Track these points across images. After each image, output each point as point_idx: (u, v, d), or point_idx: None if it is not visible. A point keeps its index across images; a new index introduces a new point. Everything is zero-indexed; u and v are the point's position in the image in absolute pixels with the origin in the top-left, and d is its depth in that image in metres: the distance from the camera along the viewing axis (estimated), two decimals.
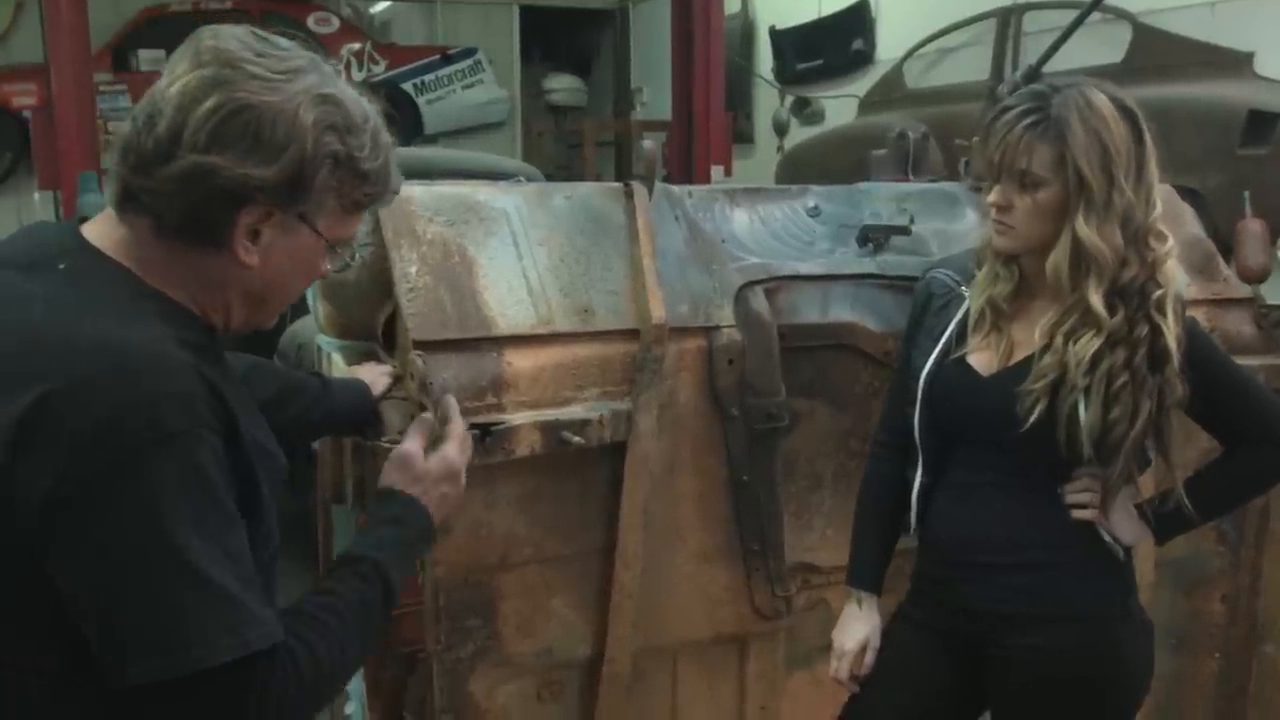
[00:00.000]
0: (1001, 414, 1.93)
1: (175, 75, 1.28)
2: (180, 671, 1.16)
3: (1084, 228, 1.85)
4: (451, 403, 1.83)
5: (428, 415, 1.81)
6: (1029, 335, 1.97)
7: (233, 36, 1.31)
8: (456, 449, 1.71)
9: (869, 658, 2.14)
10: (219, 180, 1.26)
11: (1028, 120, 1.87)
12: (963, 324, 2.04)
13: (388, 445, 2.07)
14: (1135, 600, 2.05)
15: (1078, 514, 1.97)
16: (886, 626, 2.17)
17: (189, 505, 1.18)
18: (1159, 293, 1.88)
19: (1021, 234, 1.93)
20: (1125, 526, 2.00)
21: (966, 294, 2.06)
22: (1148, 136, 1.90)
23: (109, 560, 1.17)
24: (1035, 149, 1.87)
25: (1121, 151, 1.86)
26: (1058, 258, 1.88)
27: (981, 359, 2.00)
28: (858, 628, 2.16)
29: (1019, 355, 1.97)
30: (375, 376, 2.17)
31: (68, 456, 1.15)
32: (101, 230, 1.33)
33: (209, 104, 1.25)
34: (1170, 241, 1.93)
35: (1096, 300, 1.86)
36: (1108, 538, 1.99)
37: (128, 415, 1.17)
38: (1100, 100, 1.88)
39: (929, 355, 2.05)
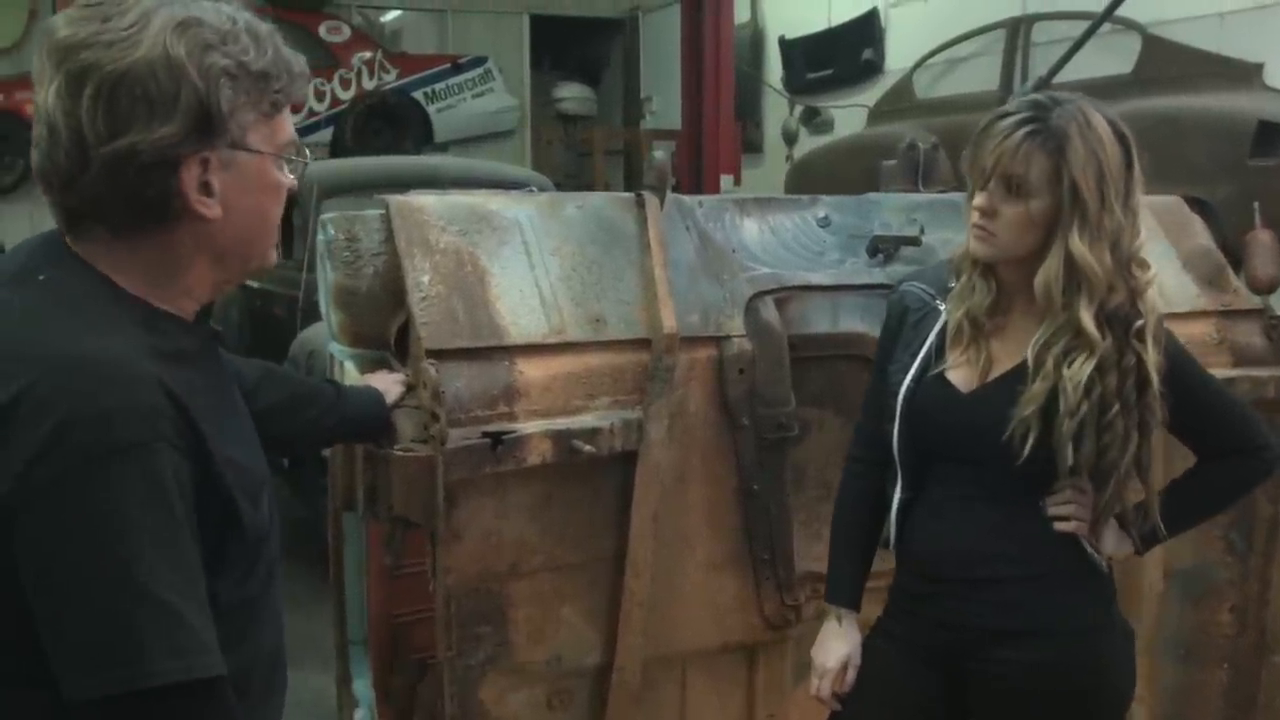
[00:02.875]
0: (981, 431, 1.93)
1: (44, 84, 1.26)
2: (115, 689, 1.14)
3: (1078, 244, 1.84)
4: None
5: None
6: (1008, 349, 1.96)
7: (68, 21, 1.27)
8: None
9: (850, 675, 2.13)
10: (139, 159, 1.23)
11: (1027, 129, 1.86)
12: (940, 338, 2.02)
13: (401, 453, 2.08)
14: (1115, 609, 2.05)
15: (1060, 526, 1.96)
16: (865, 641, 2.15)
17: (138, 519, 1.16)
18: (1140, 322, 1.89)
19: (1002, 242, 1.91)
20: (1108, 538, 2.01)
21: (942, 308, 2.04)
22: (1136, 162, 1.90)
23: (55, 570, 1.15)
24: (1033, 158, 1.85)
25: (1115, 173, 1.86)
26: (1049, 274, 1.87)
27: (960, 375, 1.99)
28: (838, 646, 2.14)
29: (998, 370, 1.96)
30: (388, 385, 2.18)
31: (21, 465, 1.15)
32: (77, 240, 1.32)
33: (88, 93, 1.22)
34: (1152, 270, 1.93)
35: (1088, 320, 1.85)
36: (1089, 549, 1.98)
37: (78, 426, 1.15)
38: (1098, 120, 1.87)
39: (906, 371, 2.03)
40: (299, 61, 1.38)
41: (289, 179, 1.40)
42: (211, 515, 1.25)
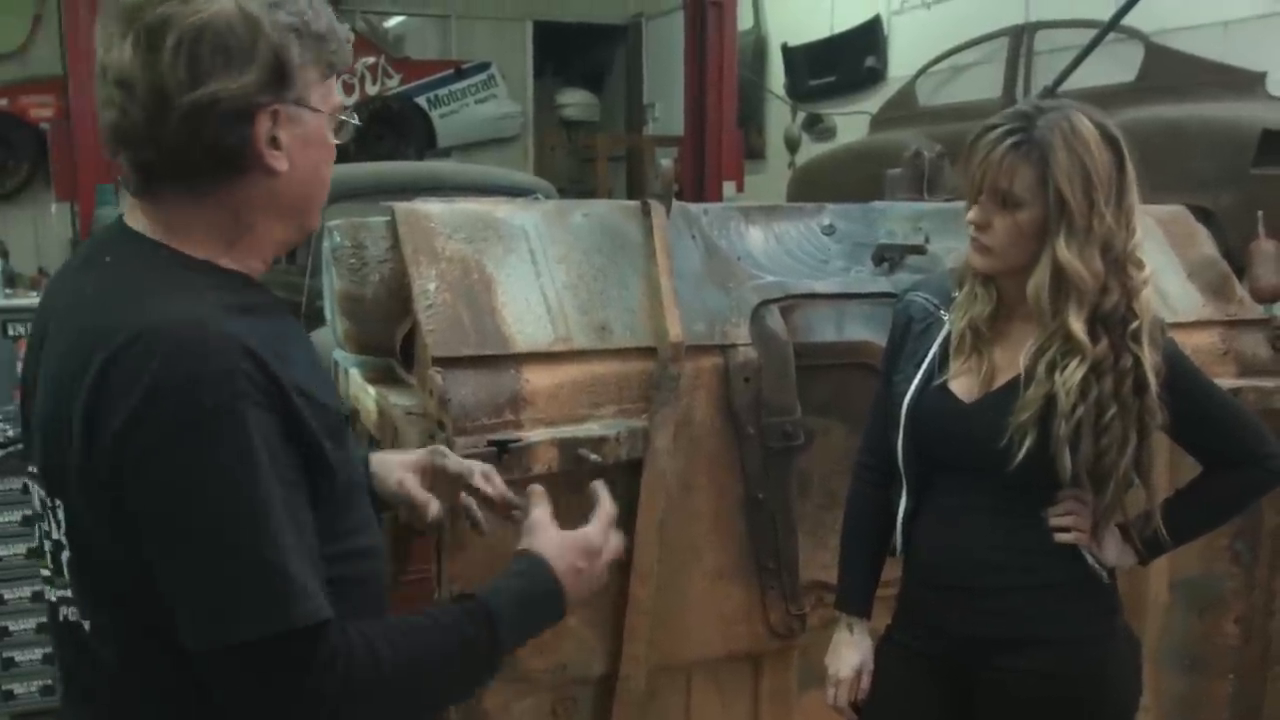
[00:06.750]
0: (983, 440, 1.93)
1: (114, 43, 1.29)
2: (215, 643, 1.20)
3: (1065, 251, 1.85)
4: (601, 490, 1.73)
5: (540, 488, 1.69)
6: (1009, 358, 1.96)
7: None
8: (599, 530, 1.65)
9: (864, 682, 2.13)
10: (221, 106, 1.28)
11: (1011, 140, 1.87)
12: (944, 348, 2.03)
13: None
14: (1120, 619, 2.05)
15: (1061, 537, 1.96)
16: (875, 650, 2.15)
17: (235, 478, 1.20)
18: (1135, 324, 1.89)
19: (999, 254, 1.92)
20: (1110, 549, 2.00)
21: (946, 318, 2.05)
22: (1129, 164, 1.90)
23: (160, 532, 1.21)
24: (1017, 169, 1.87)
25: (1103, 177, 1.86)
26: (1038, 281, 1.88)
27: (963, 384, 2.00)
28: (850, 654, 2.14)
29: (1000, 380, 1.97)
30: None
31: (116, 436, 1.20)
32: (139, 217, 1.36)
33: (169, 44, 1.26)
34: (1148, 269, 1.93)
35: (1078, 326, 1.86)
36: (1091, 560, 1.98)
37: (166, 397, 1.19)
38: (1084, 125, 1.87)
39: (911, 381, 2.04)
40: (345, 29, 1.43)
41: (335, 142, 1.44)
42: (302, 462, 1.28)
